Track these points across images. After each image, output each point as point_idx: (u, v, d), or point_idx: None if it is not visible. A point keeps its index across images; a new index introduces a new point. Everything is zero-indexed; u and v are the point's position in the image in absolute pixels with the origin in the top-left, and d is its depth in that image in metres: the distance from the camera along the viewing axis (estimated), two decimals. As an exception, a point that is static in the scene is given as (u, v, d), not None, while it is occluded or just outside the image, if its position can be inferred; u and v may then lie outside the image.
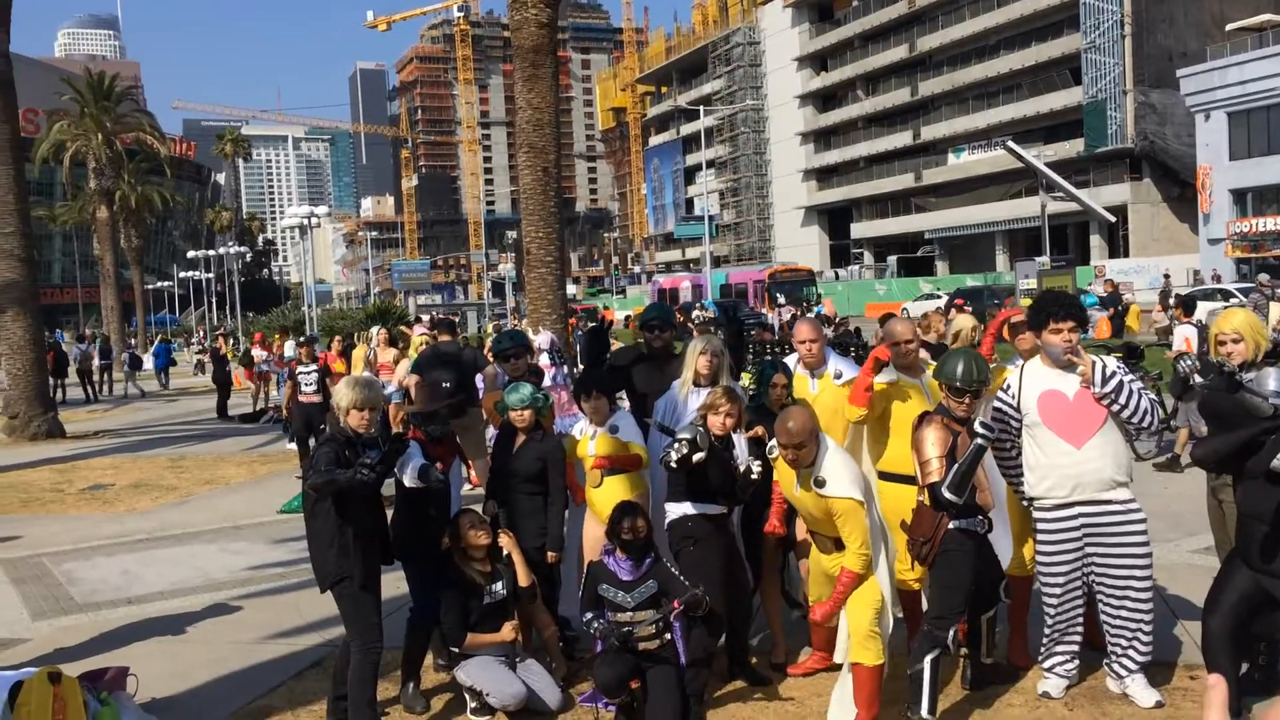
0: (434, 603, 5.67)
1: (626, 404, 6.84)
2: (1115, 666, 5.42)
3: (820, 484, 5.14)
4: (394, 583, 6.73)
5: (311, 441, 12.91)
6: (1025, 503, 5.65)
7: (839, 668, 5.90)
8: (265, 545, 9.94)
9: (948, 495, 4.91)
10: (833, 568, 5.37)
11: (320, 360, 13.96)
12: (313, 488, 5.01)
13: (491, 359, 8.94)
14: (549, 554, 6.02)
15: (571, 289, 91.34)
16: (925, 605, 5.49)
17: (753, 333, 25.99)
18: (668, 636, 5.50)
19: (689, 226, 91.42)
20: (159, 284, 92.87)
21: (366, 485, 4.92)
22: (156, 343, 36.06)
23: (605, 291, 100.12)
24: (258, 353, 24.20)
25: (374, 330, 16.27)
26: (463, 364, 9.75)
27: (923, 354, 6.11)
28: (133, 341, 52.51)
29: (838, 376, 6.19)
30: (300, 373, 13.71)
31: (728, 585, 5.59)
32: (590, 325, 8.10)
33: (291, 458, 14.91)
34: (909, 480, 5.44)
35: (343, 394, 5.30)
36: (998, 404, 5.61)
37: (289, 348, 22.17)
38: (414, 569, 5.99)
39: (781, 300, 41.03)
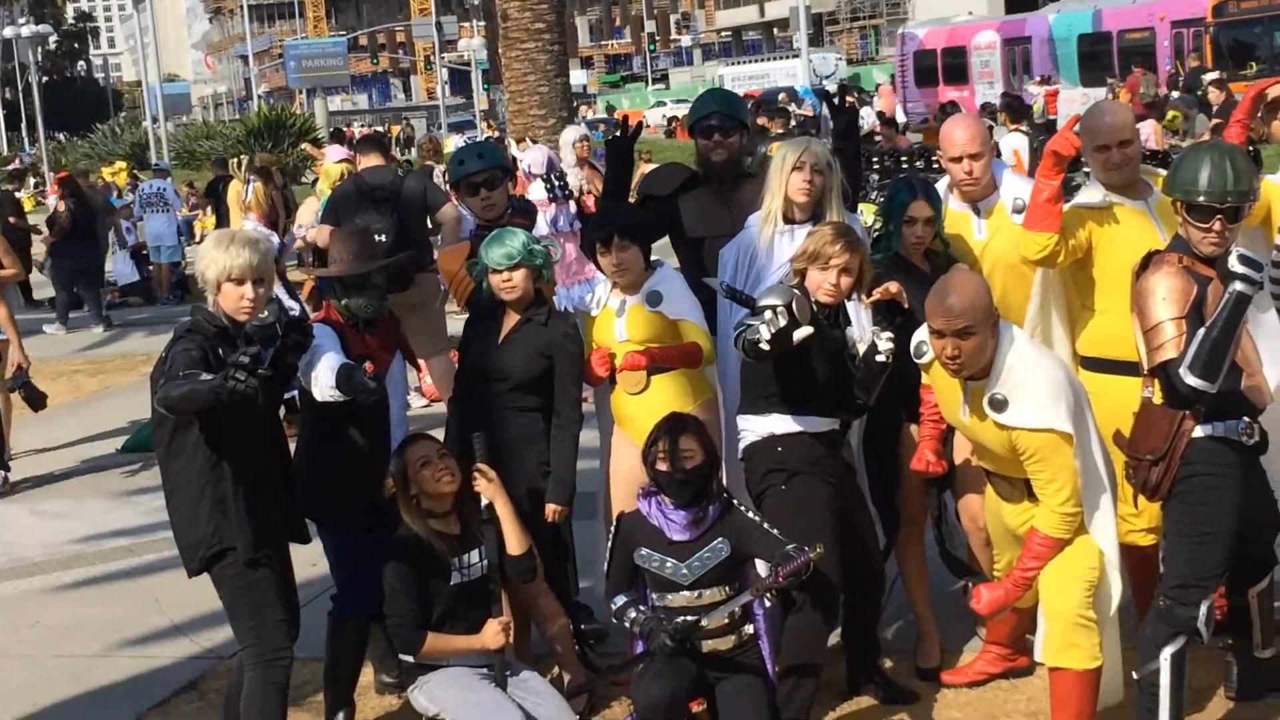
0: (371, 587, 5.77)
1: (673, 261, 6.83)
2: None
3: (999, 405, 5.15)
4: (307, 557, 6.83)
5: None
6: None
7: (1028, 672, 5.99)
8: (102, 503, 10.10)
9: (1190, 380, 4.89)
10: (1020, 525, 5.41)
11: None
12: (164, 403, 5.05)
13: (450, 192, 8.93)
14: (551, 507, 6.10)
15: (580, 76, 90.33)
16: (1161, 569, 5.50)
17: (877, 137, 25.75)
18: (748, 630, 5.59)
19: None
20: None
21: (248, 398, 4.95)
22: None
23: (635, 79, 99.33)
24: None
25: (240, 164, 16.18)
26: (403, 202, 9.74)
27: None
28: None
29: (1019, 210, 6.13)
30: None
31: (844, 545, 5.65)
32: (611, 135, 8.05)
33: (140, 362, 15.07)
34: (1129, 368, 5.42)
35: (210, 258, 5.32)
36: None
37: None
38: (337, 536, 6.07)
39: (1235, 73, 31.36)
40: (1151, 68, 37.50)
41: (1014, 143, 15.89)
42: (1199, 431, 5.06)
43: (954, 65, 45.41)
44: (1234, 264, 4.88)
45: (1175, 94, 30.56)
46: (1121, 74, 37.13)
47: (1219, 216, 5.05)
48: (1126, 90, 31.67)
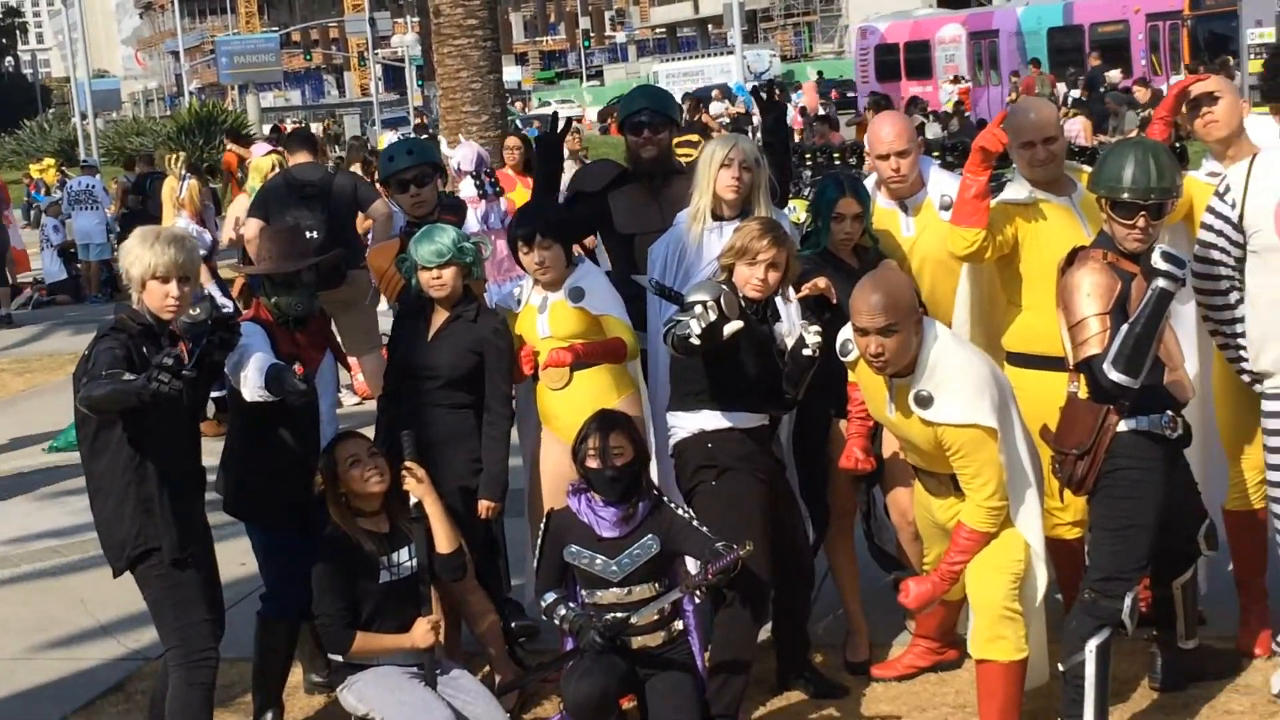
0: (300, 587, 5.74)
1: (605, 261, 6.83)
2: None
3: (924, 402, 5.19)
4: (235, 556, 6.79)
5: None
6: (1248, 381, 5.71)
7: (957, 665, 6.04)
8: (27, 503, 10.04)
9: (1114, 375, 4.94)
10: (948, 519, 5.45)
11: None
12: (86, 403, 5.01)
13: (381, 189, 8.90)
14: (484, 503, 6.09)
15: (515, 73, 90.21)
16: (1087, 562, 5.56)
17: (813, 135, 25.90)
18: (678, 627, 5.60)
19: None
20: None
21: (172, 399, 4.93)
22: None
23: (570, 75, 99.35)
24: None
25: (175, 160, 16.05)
26: (333, 199, 9.71)
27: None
28: None
29: (946, 207, 6.18)
30: None
31: (774, 541, 5.67)
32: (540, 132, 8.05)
33: (67, 361, 14.94)
34: (1055, 363, 5.46)
35: (135, 256, 5.27)
36: (1208, 220, 5.62)
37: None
38: (265, 535, 6.04)
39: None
40: (1125, 62, 36.97)
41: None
42: (1123, 426, 5.11)
43: (917, 60, 44.50)
44: (1157, 260, 4.93)
45: (1075, 93, 30.85)
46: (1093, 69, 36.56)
47: (1143, 213, 5.10)
48: (1023, 89, 31.97)
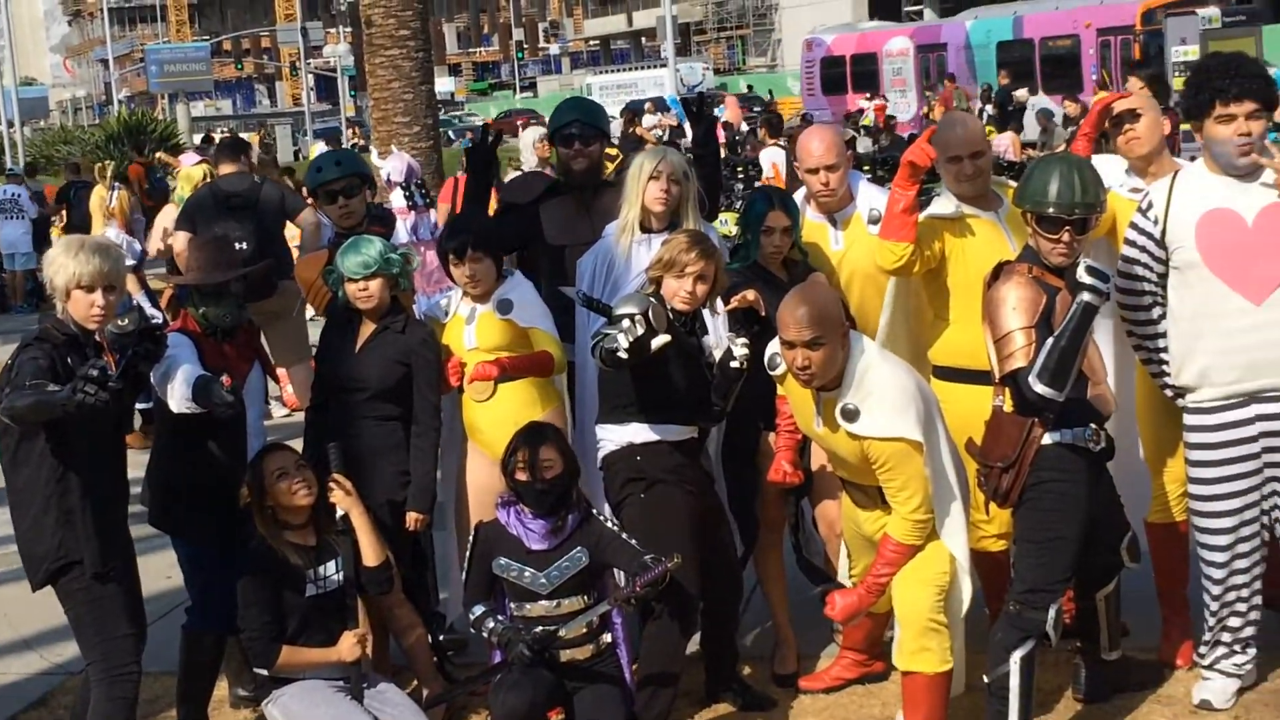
0: (226, 600, 5.71)
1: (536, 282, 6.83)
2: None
3: (851, 416, 5.22)
4: (161, 569, 6.75)
5: None
6: (1170, 396, 5.77)
7: (883, 677, 6.07)
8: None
9: (1039, 388, 4.99)
10: (875, 531, 5.48)
11: None
12: (8, 414, 4.97)
13: (309, 200, 8.87)
14: (412, 515, 6.08)
15: (448, 84, 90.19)
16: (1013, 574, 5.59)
17: (746, 146, 25.99)
18: (606, 639, 5.61)
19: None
20: None
21: (97, 410, 4.89)
22: None
23: (503, 87, 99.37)
24: None
25: (104, 170, 15.97)
26: (262, 209, 9.66)
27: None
28: None
29: (875, 221, 6.21)
30: None
31: (703, 554, 5.68)
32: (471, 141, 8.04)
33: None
34: (980, 377, 5.50)
35: (59, 265, 5.23)
36: (1131, 236, 5.68)
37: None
38: (191, 548, 6.01)
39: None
40: (1076, 76, 36.81)
41: (772, 156, 16.58)
42: (1047, 439, 5.15)
43: (864, 73, 44.03)
44: (1082, 275, 4.98)
45: (989, 109, 31.11)
46: (1044, 83, 36.58)
47: (1067, 228, 5.14)
48: (940, 104, 32.18)
